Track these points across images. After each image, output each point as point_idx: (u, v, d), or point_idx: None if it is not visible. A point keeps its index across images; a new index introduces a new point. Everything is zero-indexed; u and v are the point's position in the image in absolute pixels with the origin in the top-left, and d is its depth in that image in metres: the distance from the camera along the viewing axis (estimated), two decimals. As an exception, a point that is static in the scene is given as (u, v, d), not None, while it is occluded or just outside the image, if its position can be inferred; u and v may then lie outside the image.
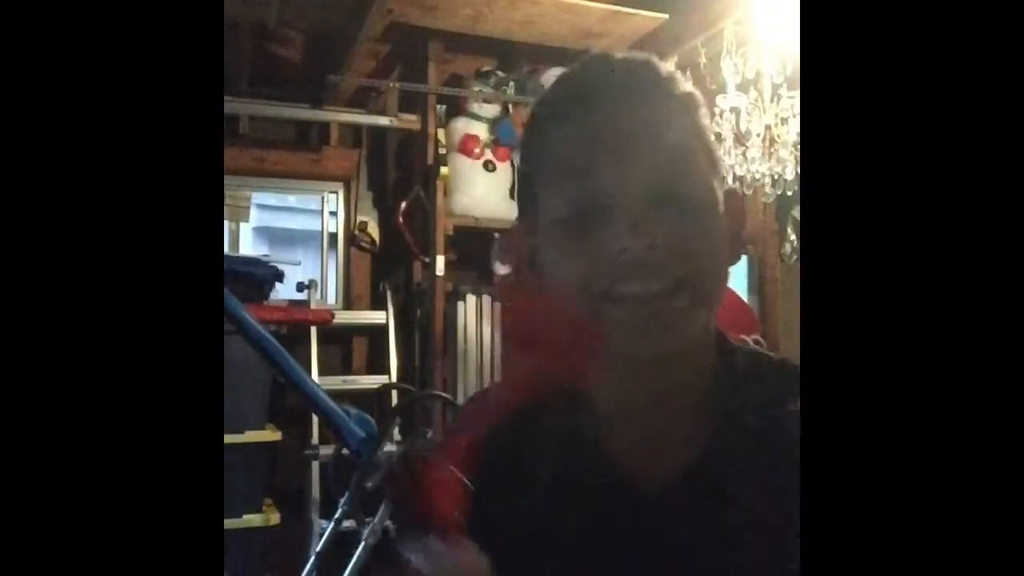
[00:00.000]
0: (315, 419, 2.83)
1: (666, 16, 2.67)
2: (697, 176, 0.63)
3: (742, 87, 2.42)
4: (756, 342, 2.99)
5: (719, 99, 2.44)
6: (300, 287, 3.11)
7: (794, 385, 0.65)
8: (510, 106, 3.11)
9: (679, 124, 0.64)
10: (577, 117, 0.63)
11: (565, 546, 0.65)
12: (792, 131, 2.38)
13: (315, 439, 2.88)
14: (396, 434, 2.29)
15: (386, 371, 3.11)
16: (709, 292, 0.63)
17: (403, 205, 3.15)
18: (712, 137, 0.67)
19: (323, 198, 3.45)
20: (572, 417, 0.68)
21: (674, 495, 0.64)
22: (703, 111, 0.66)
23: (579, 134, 0.62)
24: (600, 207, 0.60)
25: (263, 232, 5.63)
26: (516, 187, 0.68)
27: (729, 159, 2.50)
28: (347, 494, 1.91)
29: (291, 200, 5.42)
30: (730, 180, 2.53)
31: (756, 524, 0.62)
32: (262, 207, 5.33)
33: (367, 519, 1.82)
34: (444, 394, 2.70)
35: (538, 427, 0.69)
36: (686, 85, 0.66)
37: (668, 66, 0.67)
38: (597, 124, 0.62)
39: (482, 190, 3.00)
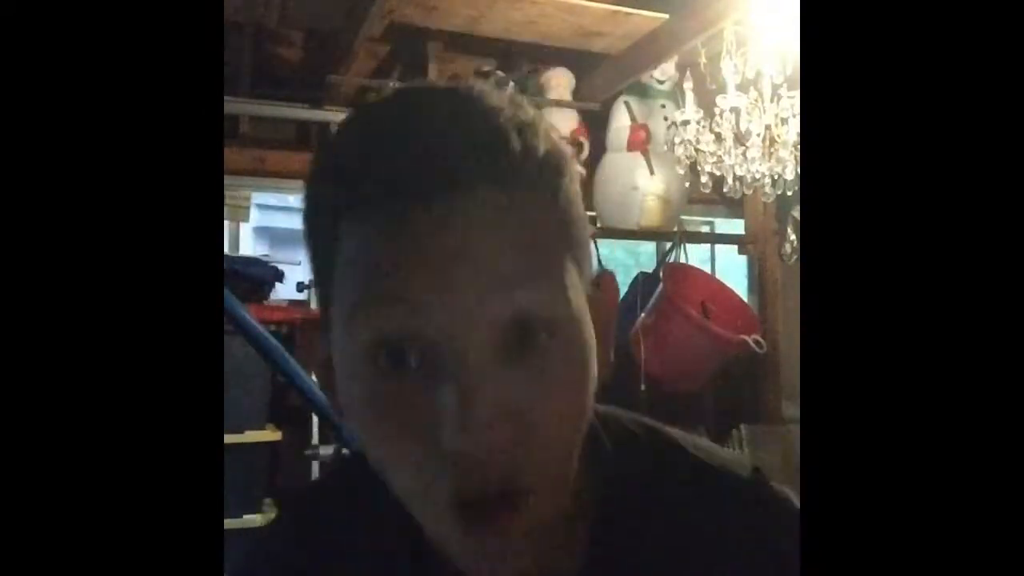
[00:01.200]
0: (315, 419, 2.83)
1: (666, 16, 2.67)
2: (562, 294, 0.43)
3: (742, 87, 2.42)
4: (756, 342, 3.00)
5: (719, 99, 2.44)
6: (300, 287, 3.11)
7: (703, 486, 0.54)
8: (510, 106, 3.11)
9: (536, 219, 0.43)
10: (379, 201, 0.42)
11: None
12: (792, 131, 2.38)
13: (315, 439, 2.88)
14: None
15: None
16: (563, 489, 0.46)
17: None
18: (581, 211, 0.47)
19: (323, 198, 3.45)
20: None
21: None
22: (570, 170, 0.46)
23: (383, 235, 0.42)
24: (418, 358, 0.42)
25: (263, 232, 5.63)
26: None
27: (729, 159, 2.50)
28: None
29: (291, 200, 5.41)
30: (730, 180, 2.53)
31: None
32: (262, 207, 5.33)
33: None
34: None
35: None
36: (547, 142, 0.44)
37: (523, 117, 0.44)
38: (406, 225, 0.41)
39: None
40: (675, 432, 0.58)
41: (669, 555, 0.53)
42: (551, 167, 0.44)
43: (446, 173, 0.41)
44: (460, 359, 0.41)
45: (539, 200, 0.44)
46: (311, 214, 0.48)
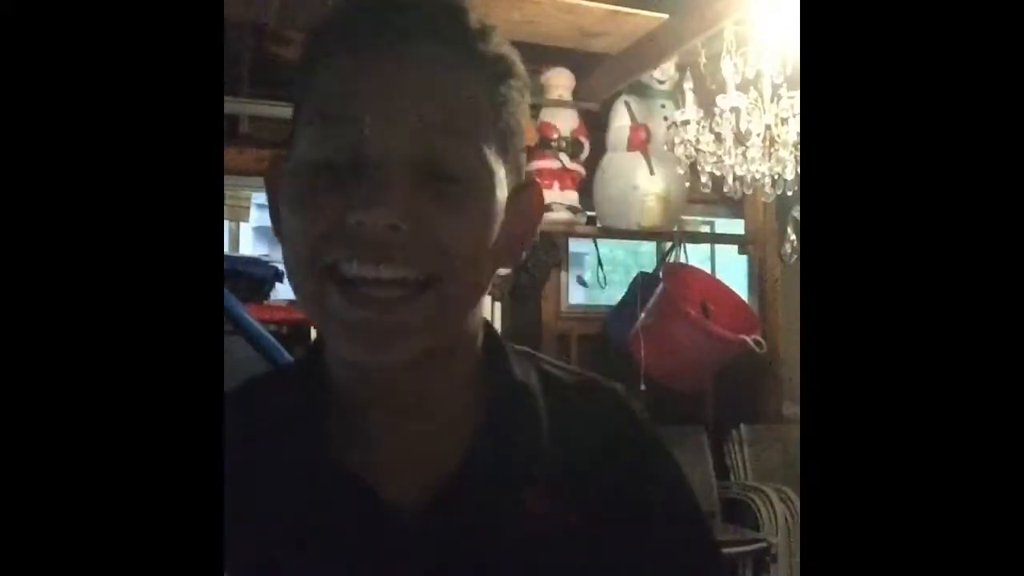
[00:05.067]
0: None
1: (666, 16, 2.67)
2: (479, 157, 0.52)
3: (742, 87, 2.42)
4: (756, 342, 3.00)
5: (719, 99, 2.44)
6: (300, 287, 3.11)
7: (603, 410, 0.62)
8: (510, 106, 3.11)
9: (475, 91, 0.53)
10: (345, 52, 0.53)
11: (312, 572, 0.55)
12: (792, 131, 2.38)
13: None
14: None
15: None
16: (463, 295, 0.54)
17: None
18: (519, 120, 0.57)
19: (323, 198, 3.45)
20: (306, 419, 0.58)
21: (432, 512, 0.55)
22: (515, 83, 0.56)
23: (340, 72, 0.53)
24: (348, 163, 0.51)
25: (263, 232, 5.63)
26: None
27: (729, 159, 2.50)
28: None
29: (291, 200, 5.42)
30: (730, 180, 2.53)
31: (542, 528, 0.56)
32: (262, 207, 5.32)
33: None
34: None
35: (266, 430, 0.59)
36: (502, 47, 0.55)
37: (485, 20, 0.56)
38: (372, 65, 0.52)
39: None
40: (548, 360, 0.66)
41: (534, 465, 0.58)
42: (500, 67, 0.55)
43: (405, 28, 0.52)
44: (381, 171, 0.50)
45: (480, 86, 0.53)
46: (300, 58, 0.58)
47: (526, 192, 0.58)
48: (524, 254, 0.60)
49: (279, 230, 0.57)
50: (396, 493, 0.56)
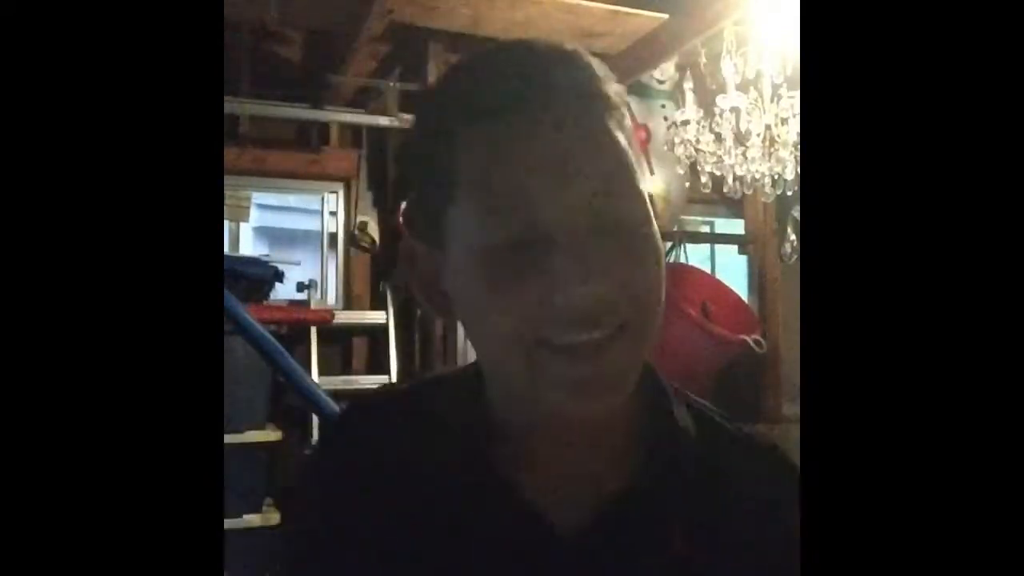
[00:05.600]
0: (315, 419, 2.83)
1: (666, 16, 2.67)
2: (640, 197, 0.54)
3: (742, 87, 2.42)
4: (756, 342, 2.99)
5: (719, 99, 2.44)
6: (300, 287, 3.11)
7: (757, 467, 0.62)
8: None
9: (618, 135, 0.53)
10: (498, 123, 0.51)
11: None
12: (792, 131, 2.38)
13: (315, 439, 2.88)
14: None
15: (386, 371, 3.11)
16: (649, 328, 0.55)
17: (403, 205, 3.15)
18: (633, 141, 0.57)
19: (323, 198, 3.45)
20: (475, 449, 0.59)
21: (588, 536, 0.57)
22: (629, 112, 0.57)
23: (503, 144, 0.51)
24: (535, 241, 0.50)
25: (263, 232, 5.63)
26: (399, 194, 0.54)
27: (729, 159, 2.50)
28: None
29: (291, 200, 5.42)
30: (730, 180, 2.53)
31: (681, 569, 0.57)
32: (262, 207, 5.33)
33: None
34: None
35: (434, 455, 0.59)
36: (615, 82, 0.56)
37: (594, 58, 0.56)
38: (522, 139, 0.50)
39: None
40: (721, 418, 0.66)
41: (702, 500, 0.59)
42: (623, 105, 0.55)
43: (548, 87, 0.51)
44: (569, 247, 0.50)
45: (616, 129, 0.54)
46: (427, 135, 0.56)
47: (657, 204, 0.60)
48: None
49: (453, 317, 0.57)
50: (555, 517, 0.57)
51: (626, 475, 0.59)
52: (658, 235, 0.56)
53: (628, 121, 0.56)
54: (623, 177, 0.53)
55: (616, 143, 0.53)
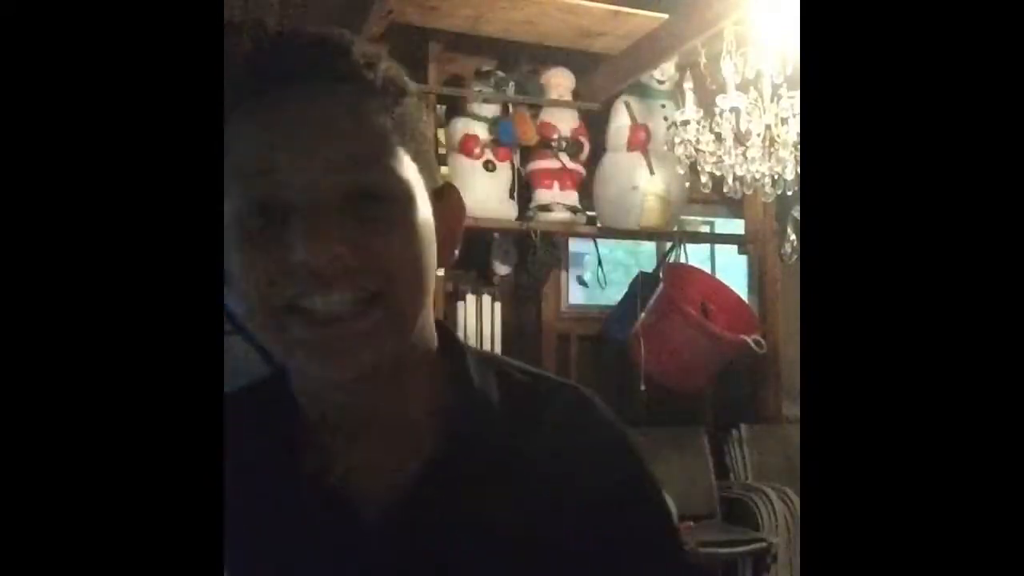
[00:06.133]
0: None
1: (666, 16, 2.67)
2: (395, 175, 0.56)
3: (742, 87, 2.42)
4: (756, 342, 3.00)
5: (719, 99, 2.44)
6: (300, 287, 3.11)
7: (564, 411, 0.64)
8: (510, 106, 3.11)
9: (374, 116, 0.57)
10: (253, 106, 0.56)
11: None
12: (792, 131, 2.38)
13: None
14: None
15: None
16: (408, 304, 0.57)
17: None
18: (423, 131, 0.61)
19: (323, 198, 3.45)
20: (284, 448, 0.61)
21: (395, 518, 0.58)
22: (409, 99, 0.60)
23: (252, 124, 0.56)
24: (279, 210, 0.54)
25: (263, 232, 5.63)
26: None
27: (729, 159, 2.51)
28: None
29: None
30: (730, 180, 2.53)
31: (491, 550, 0.58)
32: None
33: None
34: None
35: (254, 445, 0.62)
36: (390, 70, 0.59)
37: (367, 47, 0.60)
38: (271, 113, 0.56)
39: (482, 190, 3.00)
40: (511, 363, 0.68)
41: (505, 466, 0.60)
42: (392, 89, 0.59)
43: (298, 74, 0.56)
44: (309, 211, 0.53)
45: (379, 111, 0.57)
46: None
47: (445, 196, 0.62)
48: (456, 253, 0.65)
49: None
50: (360, 504, 0.59)
51: (429, 451, 0.60)
52: (416, 206, 0.58)
53: (402, 108, 0.59)
54: (374, 156, 0.56)
55: (369, 124, 0.56)
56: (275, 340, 0.57)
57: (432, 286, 0.60)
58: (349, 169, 0.55)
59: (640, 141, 3.14)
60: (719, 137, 2.51)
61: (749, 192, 2.64)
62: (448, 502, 0.58)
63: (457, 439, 0.60)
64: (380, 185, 0.56)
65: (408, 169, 0.57)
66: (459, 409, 0.62)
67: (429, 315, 0.63)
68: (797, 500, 2.97)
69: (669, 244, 3.38)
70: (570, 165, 3.13)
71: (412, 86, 0.61)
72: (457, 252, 0.65)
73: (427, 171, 0.60)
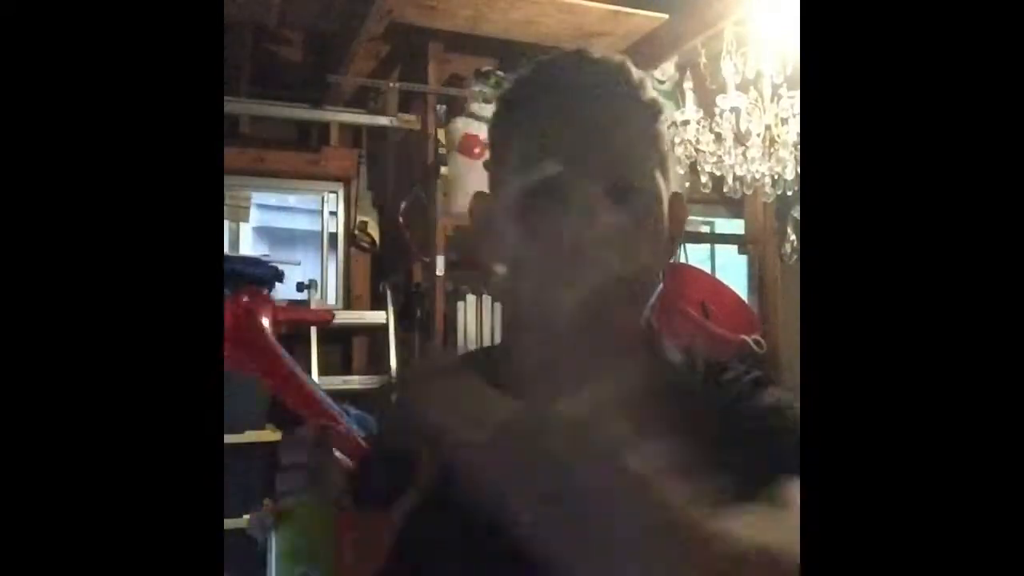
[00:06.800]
0: (315, 419, 2.83)
1: (666, 16, 2.67)
2: (648, 177, 0.68)
3: (742, 87, 2.42)
4: (756, 342, 2.99)
5: (719, 99, 2.44)
6: (300, 287, 3.11)
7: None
8: (510, 106, 3.10)
9: (639, 126, 0.69)
10: (548, 101, 0.68)
11: None
12: (792, 131, 2.38)
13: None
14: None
15: (386, 371, 3.11)
16: (643, 288, 0.69)
17: (403, 205, 3.15)
18: (667, 145, 0.73)
19: (323, 198, 3.45)
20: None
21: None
22: (664, 118, 0.72)
23: (546, 117, 0.68)
24: (558, 191, 0.62)
25: (263, 232, 5.63)
26: (489, 160, 0.75)
27: (729, 159, 2.50)
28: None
29: (291, 200, 5.41)
30: (730, 180, 2.53)
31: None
32: (262, 207, 5.32)
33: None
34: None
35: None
36: (653, 92, 0.72)
37: (640, 72, 0.72)
38: (564, 111, 0.67)
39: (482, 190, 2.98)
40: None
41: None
42: (655, 108, 0.71)
43: (587, 87, 0.69)
44: (582, 196, 0.62)
45: (643, 123, 0.70)
46: (498, 114, 0.77)
47: (676, 200, 0.73)
48: (677, 248, 0.75)
49: (491, 254, 0.68)
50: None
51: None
52: (662, 201, 0.69)
53: (659, 124, 0.71)
54: (637, 158, 0.68)
55: (636, 133, 0.68)
56: (542, 305, 0.64)
57: (660, 279, 0.72)
58: (615, 164, 0.66)
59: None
60: (719, 137, 2.51)
61: (749, 192, 2.64)
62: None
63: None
64: (640, 182, 0.67)
65: (659, 173, 0.69)
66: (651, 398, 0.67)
67: (651, 298, 0.73)
68: (797, 500, 2.96)
69: (669, 244, 3.37)
70: (570, 165, 3.13)
71: (664, 107, 0.72)
72: (675, 253, 0.74)
73: (668, 178, 0.71)
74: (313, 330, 2.99)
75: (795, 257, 3.07)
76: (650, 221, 0.68)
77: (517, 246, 0.64)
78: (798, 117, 2.30)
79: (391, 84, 3.07)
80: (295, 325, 2.95)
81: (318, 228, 3.56)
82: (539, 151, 0.66)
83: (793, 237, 3.11)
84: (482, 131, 3.05)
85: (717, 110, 2.46)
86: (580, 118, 0.67)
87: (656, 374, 0.72)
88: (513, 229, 0.64)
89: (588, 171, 0.64)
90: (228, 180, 3.01)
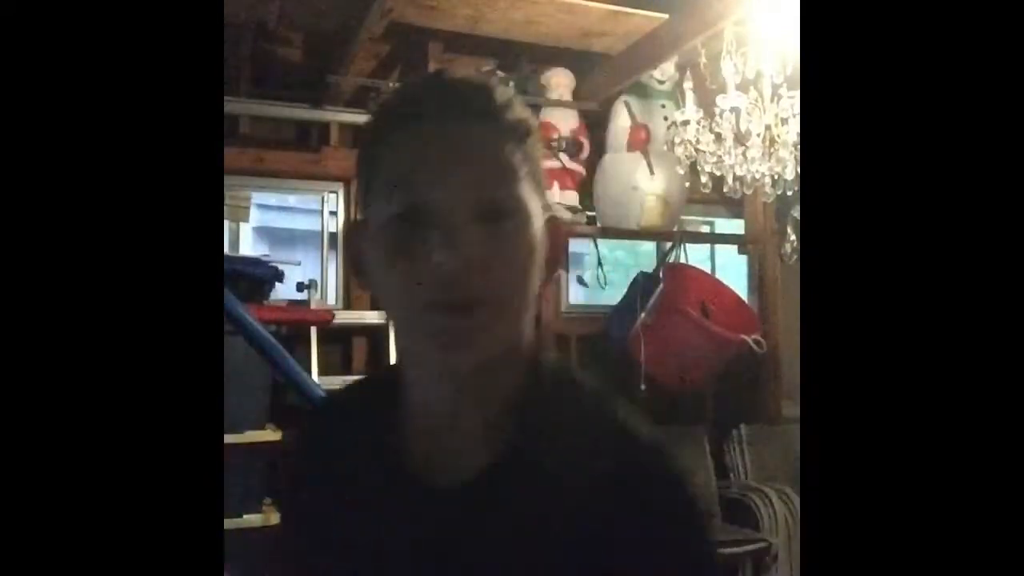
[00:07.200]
0: (315, 419, 2.82)
1: (666, 16, 2.67)
2: (519, 197, 0.66)
3: (742, 87, 2.42)
4: (756, 342, 3.00)
5: (719, 99, 2.44)
6: (300, 287, 3.11)
7: (603, 417, 0.68)
8: (510, 106, 3.11)
9: (507, 148, 0.67)
10: (408, 128, 0.67)
11: (366, 551, 0.67)
12: (792, 131, 2.37)
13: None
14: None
15: (386, 371, 3.11)
16: (513, 310, 0.66)
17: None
18: (541, 166, 0.71)
19: (323, 198, 3.45)
20: (386, 423, 0.70)
21: (468, 495, 0.65)
22: (535, 139, 0.71)
23: (408, 145, 0.67)
24: (421, 220, 0.63)
25: (263, 232, 5.63)
26: (357, 189, 0.73)
27: (729, 159, 2.50)
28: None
29: (291, 200, 5.42)
30: (730, 180, 2.53)
31: (545, 534, 0.63)
32: (262, 207, 5.33)
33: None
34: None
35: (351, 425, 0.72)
36: (522, 113, 0.70)
37: (506, 92, 0.71)
38: (426, 137, 0.66)
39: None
40: (613, 401, 0.71)
41: (558, 482, 0.65)
42: (522, 128, 0.69)
43: (450, 109, 0.67)
44: (447, 220, 0.63)
45: (510, 144, 0.67)
46: (363, 143, 0.72)
47: (553, 224, 0.72)
48: (557, 271, 0.72)
49: (365, 279, 0.70)
50: (445, 474, 0.67)
51: (498, 449, 0.67)
52: (533, 225, 0.68)
53: (528, 145, 0.69)
54: (501, 177, 0.66)
55: (503, 154, 0.66)
56: (412, 330, 0.66)
57: (535, 297, 0.69)
58: (482, 188, 0.65)
59: (640, 141, 3.14)
60: (719, 137, 2.51)
61: (749, 192, 2.64)
62: (506, 497, 0.65)
63: (528, 436, 0.67)
64: (507, 204, 0.65)
65: (529, 195, 0.67)
66: (527, 414, 0.68)
67: (530, 323, 0.70)
68: (797, 500, 2.97)
69: (669, 244, 3.38)
70: (570, 165, 3.13)
71: (537, 128, 0.71)
72: (553, 275, 0.73)
73: (542, 200, 0.70)
74: (313, 330, 2.99)
75: (795, 257, 3.07)
76: (522, 243, 0.66)
77: (388, 271, 0.65)
78: (798, 117, 2.30)
79: (391, 84, 3.07)
80: (295, 325, 2.95)
81: (318, 228, 3.56)
82: (404, 177, 0.66)
83: (793, 237, 3.11)
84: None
85: (717, 110, 2.46)
86: (442, 142, 0.66)
87: (530, 388, 0.70)
88: (382, 256, 0.65)
89: (452, 196, 0.64)
90: (228, 180, 3.00)
